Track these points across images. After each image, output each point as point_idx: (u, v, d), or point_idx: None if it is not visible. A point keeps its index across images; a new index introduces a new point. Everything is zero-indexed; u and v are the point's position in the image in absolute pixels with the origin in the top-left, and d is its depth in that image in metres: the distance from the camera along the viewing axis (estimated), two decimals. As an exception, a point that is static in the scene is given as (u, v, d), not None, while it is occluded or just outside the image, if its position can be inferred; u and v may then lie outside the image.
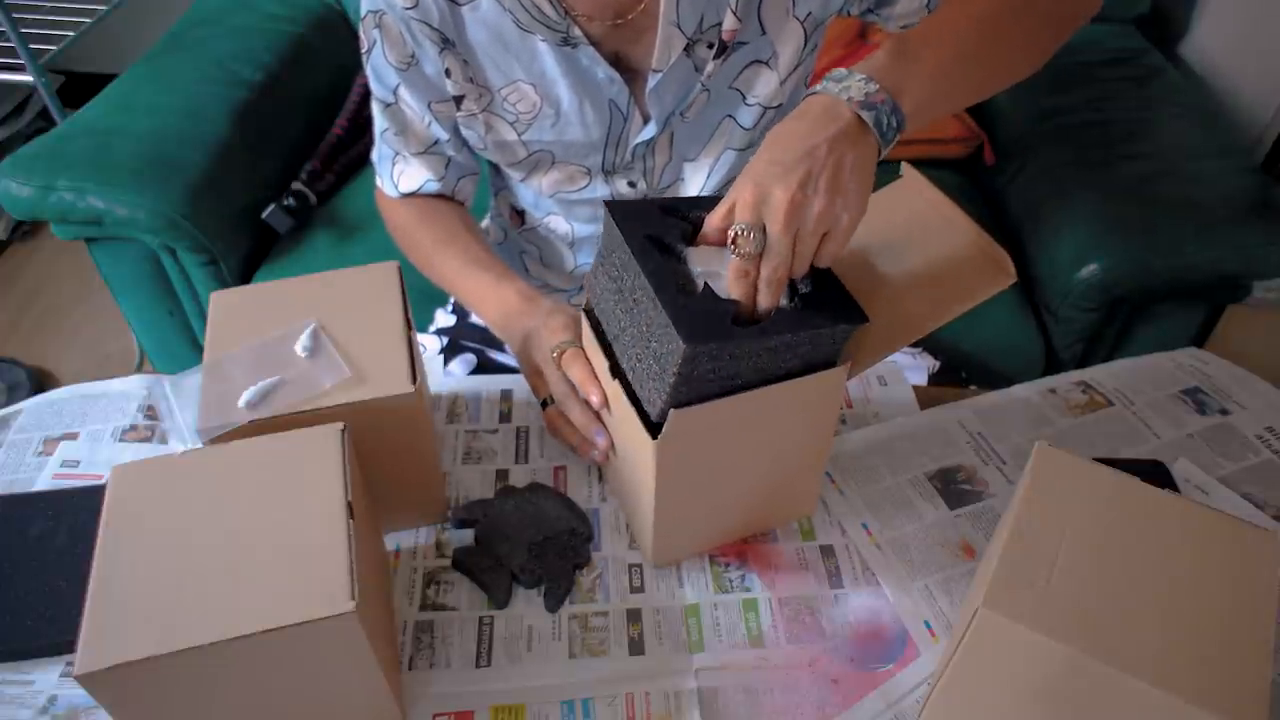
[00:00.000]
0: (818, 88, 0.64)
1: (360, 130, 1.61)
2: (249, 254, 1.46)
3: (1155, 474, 0.78)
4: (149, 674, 0.51)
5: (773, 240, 0.59)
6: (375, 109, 0.90)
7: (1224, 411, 0.87)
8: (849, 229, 0.61)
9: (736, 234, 0.59)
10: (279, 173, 1.52)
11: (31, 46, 1.70)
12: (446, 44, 0.81)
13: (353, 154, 1.58)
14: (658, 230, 0.63)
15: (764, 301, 0.60)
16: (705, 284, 0.61)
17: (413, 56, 0.82)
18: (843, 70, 0.64)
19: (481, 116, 0.86)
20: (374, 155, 0.95)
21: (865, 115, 0.61)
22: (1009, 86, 0.74)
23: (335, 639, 0.54)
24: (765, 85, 0.86)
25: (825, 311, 0.62)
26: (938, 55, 0.67)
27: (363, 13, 0.83)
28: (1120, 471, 0.59)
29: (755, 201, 0.59)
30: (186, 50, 1.57)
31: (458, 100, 0.86)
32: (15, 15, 1.68)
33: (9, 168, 1.31)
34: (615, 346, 0.66)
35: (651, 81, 0.81)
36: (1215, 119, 1.52)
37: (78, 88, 2.02)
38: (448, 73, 0.83)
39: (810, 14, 0.83)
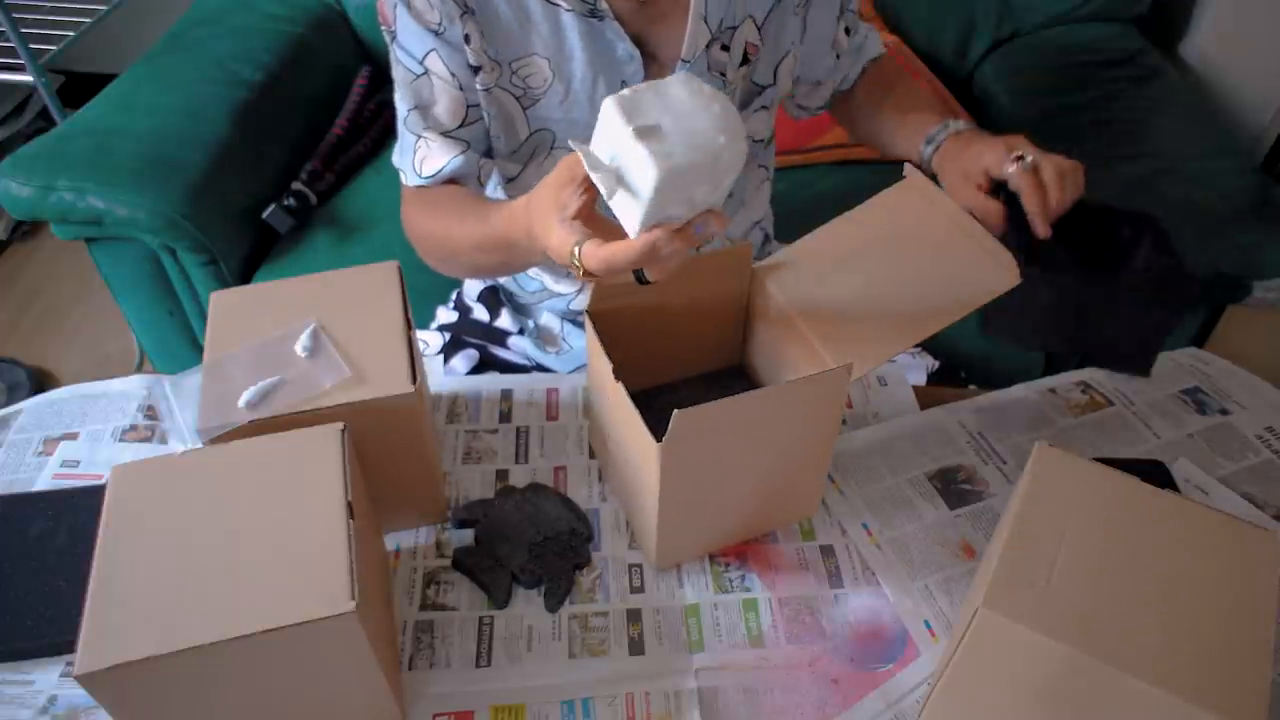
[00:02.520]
0: (961, 125, 0.85)
1: (360, 130, 1.61)
2: (249, 254, 1.46)
3: (1155, 474, 0.78)
4: (149, 674, 0.51)
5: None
6: (400, 94, 0.86)
7: (1224, 411, 0.87)
8: None
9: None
10: (279, 173, 1.51)
11: (31, 46, 1.70)
12: (467, 10, 0.81)
13: (353, 154, 1.58)
14: None
15: None
16: None
17: (440, 23, 0.82)
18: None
19: (494, 91, 0.86)
20: (395, 157, 0.90)
21: None
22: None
23: (335, 639, 0.54)
24: (760, 122, 0.95)
25: None
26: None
27: None
28: (1120, 471, 0.59)
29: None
30: (186, 50, 1.57)
31: (475, 70, 0.84)
32: (15, 15, 1.67)
33: (9, 168, 1.31)
34: None
35: (679, 70, 0.82)
36: (1215, 119, 1.52)
37: (78, 88, 2.02)
38: (467, 39, 0.82)
39: (799, 77, 0.97)
